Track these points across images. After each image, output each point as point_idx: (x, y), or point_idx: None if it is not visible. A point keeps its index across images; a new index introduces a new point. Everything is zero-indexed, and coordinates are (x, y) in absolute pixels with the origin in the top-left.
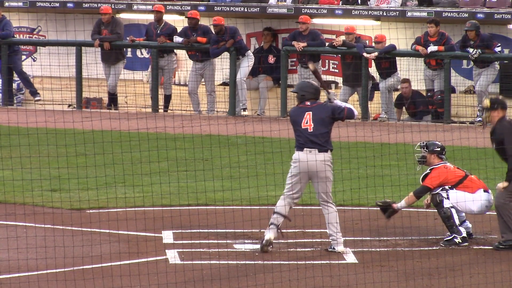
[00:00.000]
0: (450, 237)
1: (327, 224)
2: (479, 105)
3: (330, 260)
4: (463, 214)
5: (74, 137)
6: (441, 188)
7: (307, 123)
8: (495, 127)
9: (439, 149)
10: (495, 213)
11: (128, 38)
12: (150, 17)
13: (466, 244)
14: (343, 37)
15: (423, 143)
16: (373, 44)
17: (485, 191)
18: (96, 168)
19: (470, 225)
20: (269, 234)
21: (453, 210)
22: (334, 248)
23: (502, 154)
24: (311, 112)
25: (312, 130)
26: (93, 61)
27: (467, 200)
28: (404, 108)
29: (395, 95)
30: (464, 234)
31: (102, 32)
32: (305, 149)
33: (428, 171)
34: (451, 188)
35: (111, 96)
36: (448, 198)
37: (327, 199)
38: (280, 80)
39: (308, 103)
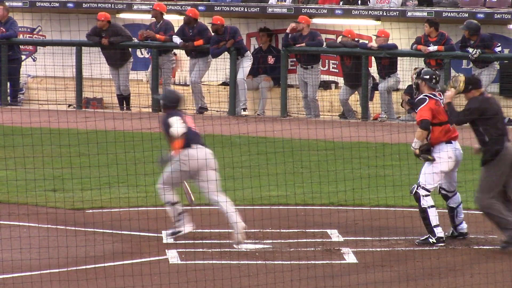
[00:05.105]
0: (425, 237)
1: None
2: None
3: (331, 260)
4: (462, 216)
5: (77, 137)
6: (416, 187)
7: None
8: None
9: (427, 76)
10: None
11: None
12: (149, 17)
13: (442, 245)
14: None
15: (418, 68)
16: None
17: (448, 142)
18: (97, 168)
19: (465, 226)
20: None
21: (430, 210)
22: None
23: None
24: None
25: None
26: (94, 61)
27: (433, 172)
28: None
29: (395, 94)
30: (441, 235)
31: (103, 39)
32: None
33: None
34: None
35: (121, 97)
36: (427, 195)
37: None
38: (280, 80)
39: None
